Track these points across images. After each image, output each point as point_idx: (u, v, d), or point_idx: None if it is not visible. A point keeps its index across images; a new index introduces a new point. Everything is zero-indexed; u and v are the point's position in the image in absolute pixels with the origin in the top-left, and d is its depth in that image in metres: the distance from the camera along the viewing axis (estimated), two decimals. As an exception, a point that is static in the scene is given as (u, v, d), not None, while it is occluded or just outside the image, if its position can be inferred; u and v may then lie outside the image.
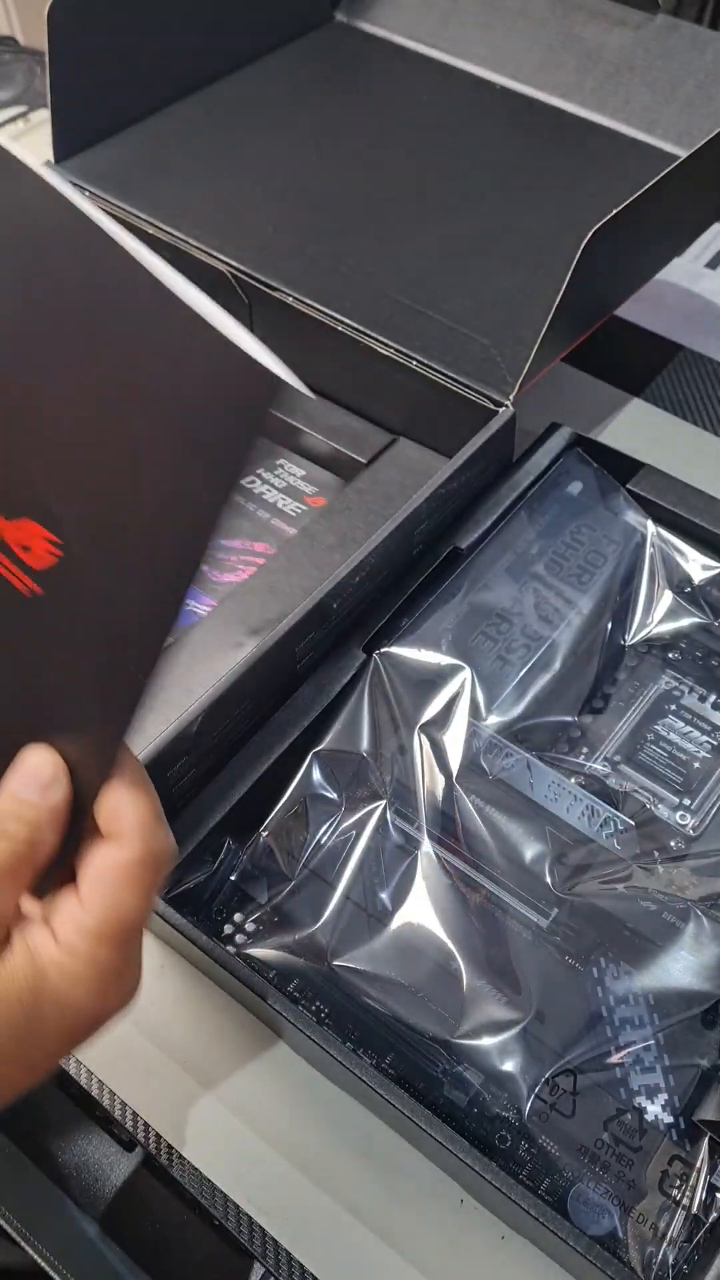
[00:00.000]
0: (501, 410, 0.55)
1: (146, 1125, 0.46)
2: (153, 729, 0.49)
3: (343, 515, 0.57)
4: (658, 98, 0.72)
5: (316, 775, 0.50)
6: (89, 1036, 0.32)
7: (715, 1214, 0.42)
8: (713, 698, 0.52)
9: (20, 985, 0.30)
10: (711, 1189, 0.42)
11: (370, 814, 0.48)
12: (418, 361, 0.57)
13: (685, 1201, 0.42)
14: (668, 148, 0.70)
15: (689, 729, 0.51)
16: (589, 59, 0.74)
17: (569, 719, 0.52)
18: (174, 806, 0.48)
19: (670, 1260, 0.41)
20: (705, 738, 0.51)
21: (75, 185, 0.65)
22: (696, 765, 0.50)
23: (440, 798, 0.48)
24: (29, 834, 0.31)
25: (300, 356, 0.63)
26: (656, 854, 0.48)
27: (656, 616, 0.54)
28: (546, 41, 0.75)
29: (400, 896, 0.46)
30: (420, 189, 0.68)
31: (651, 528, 0.56)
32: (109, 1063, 0.47)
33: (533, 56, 0.75)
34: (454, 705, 0.51)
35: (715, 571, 0.55)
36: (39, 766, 0.31)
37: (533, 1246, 0.44)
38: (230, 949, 0.45)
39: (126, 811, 0.31)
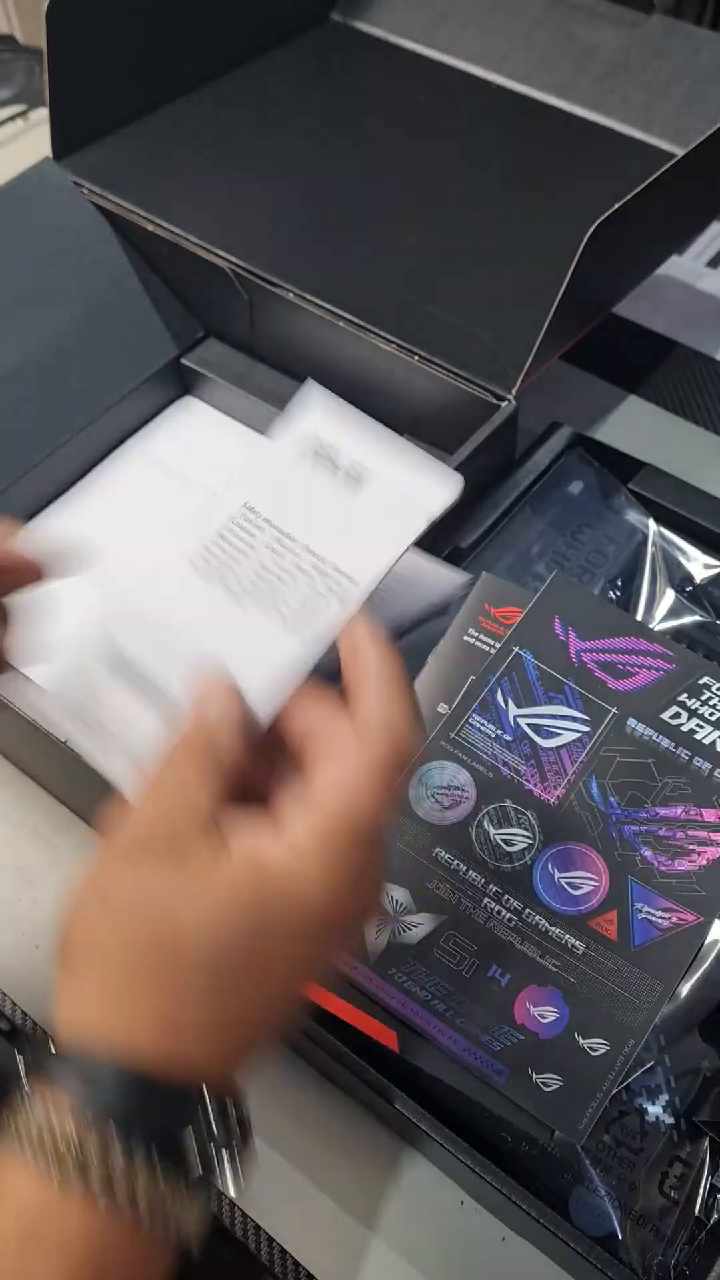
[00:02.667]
0: (504, 405, 0.55)
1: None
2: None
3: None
4: (653, 96, 0.72)
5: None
6: (326, 949, 0.30)
7: (716, 1215, 0.41)
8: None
9: (242, 889, 0.27)
10: (713, 1190, 0.42)
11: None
12: (419, 356, 0.57)
13: (686, 1203, 0.42)
14: (664, 146, 0.70)
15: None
16: (585, 58, 0.74)
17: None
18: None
19: (671, 1261, 0.41)
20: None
21: (75, 183, 0.65)
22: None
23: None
24: (208, 737, 0.30)
25: (301, 352, 0.63)
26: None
27: (658, 615, 0.53)
28: (542, 41, 0.75)
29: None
30: (418, 186, 0.67)
31: (653, 526, 0.56)
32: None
33: (529, 56, 0.75)
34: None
35: (716, 570, 0.55)
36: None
37: (533, 1248, 0.44)
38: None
39: (373, 707, 0.29)
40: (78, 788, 0.53)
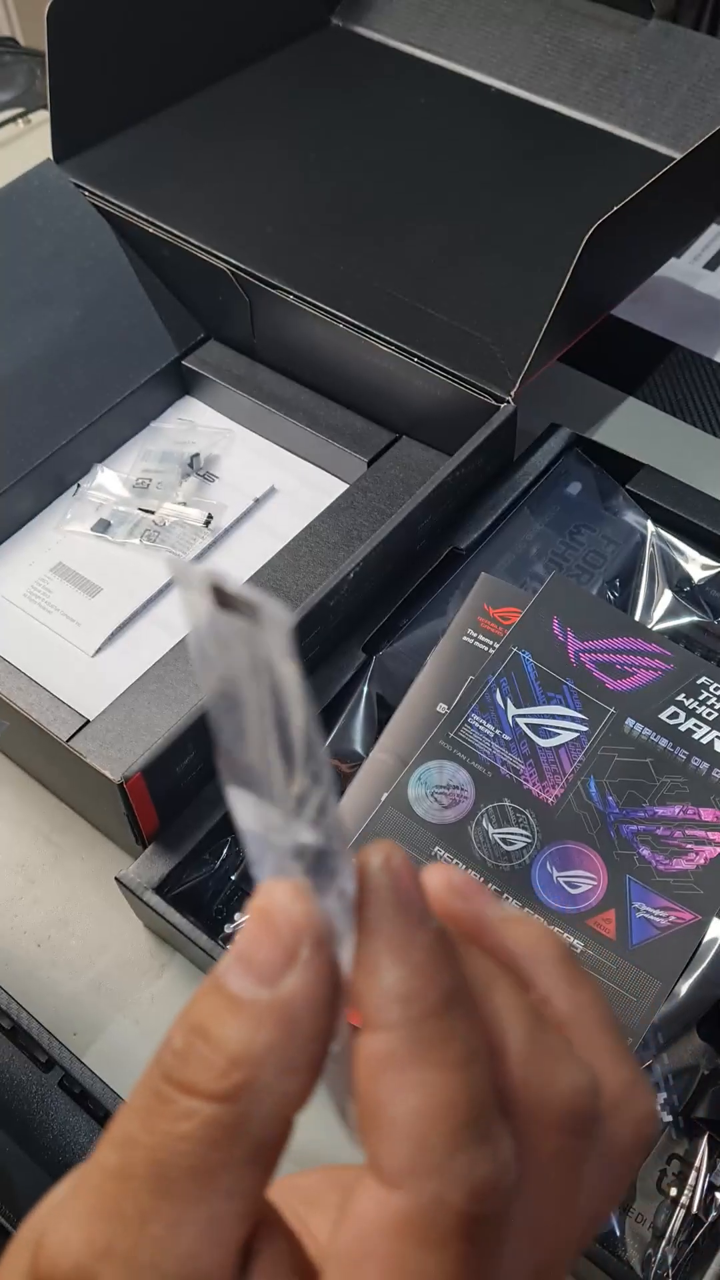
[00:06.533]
0: (503, 406, 0.55)
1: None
2: (161, 724, 0.49)
3: (347, 514, 0.58)
4: (652, 101, 0.72)
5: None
6: None
7: (715, 1213, 0.42)
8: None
9: None
10: (711, 1187, 0.42)
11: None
12: (418, 359, 0.57)
13: (684, 1200, 0.42)
14: (662, 150, 0.71)
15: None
16: (584, 62, 0.74)
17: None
18: (179, 803, 0.48)
19: (669, 1259, 0.41)
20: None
21: (76, 185, 0.65)
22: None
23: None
24: (241, 1084, 0.17)
25: (302, 355, 0.63)
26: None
27: (656, 615, 0.54)
28: (541, 45, 0.75)
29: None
30: (418, 189, 0.68)
31: (651, 527, 0.56)
32: (109, 1061, 0.47)
33: (528, 60, 0.75)
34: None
35: (714, 571, 0.55)
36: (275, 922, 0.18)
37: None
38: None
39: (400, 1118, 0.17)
40: (79, 786, 0.53)
